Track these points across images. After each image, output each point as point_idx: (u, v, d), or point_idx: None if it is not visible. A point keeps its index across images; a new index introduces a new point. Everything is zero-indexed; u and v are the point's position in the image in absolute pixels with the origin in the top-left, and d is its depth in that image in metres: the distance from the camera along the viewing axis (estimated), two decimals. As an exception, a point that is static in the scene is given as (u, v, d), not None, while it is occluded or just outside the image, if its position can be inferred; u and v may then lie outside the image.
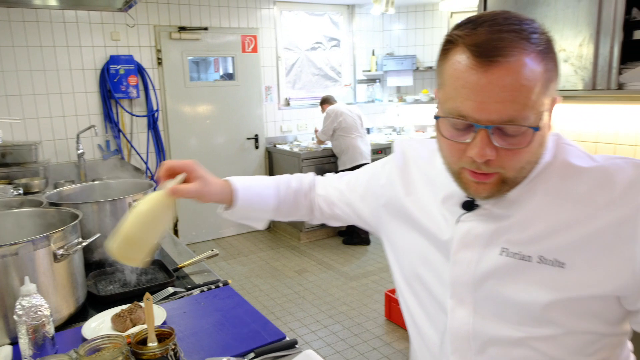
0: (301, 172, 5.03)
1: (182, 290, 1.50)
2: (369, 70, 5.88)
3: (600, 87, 2.16)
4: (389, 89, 6.01)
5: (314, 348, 2.67)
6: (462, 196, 0.78)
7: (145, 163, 4.54)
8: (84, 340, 1.16)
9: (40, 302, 1.08)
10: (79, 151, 3.48)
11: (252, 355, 1.14)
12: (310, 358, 1.13)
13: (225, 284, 1.54)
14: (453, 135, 0.70)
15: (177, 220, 4.86)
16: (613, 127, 2.44)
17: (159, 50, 4.52)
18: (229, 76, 5.04)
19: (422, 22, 5.72)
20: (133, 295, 1.43)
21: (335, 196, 1.11)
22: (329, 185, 1.14)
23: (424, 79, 5.85)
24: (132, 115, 4.43)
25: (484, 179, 0.70)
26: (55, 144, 4.13)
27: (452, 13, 5.43)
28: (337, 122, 4.60)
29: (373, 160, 4.91)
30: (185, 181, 0.96)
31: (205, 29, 4.71)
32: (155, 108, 4.53)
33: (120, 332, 1.22)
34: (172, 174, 0.95)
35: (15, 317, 1.05)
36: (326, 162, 4.89)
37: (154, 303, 1.34)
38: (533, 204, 0.72)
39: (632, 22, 2.02)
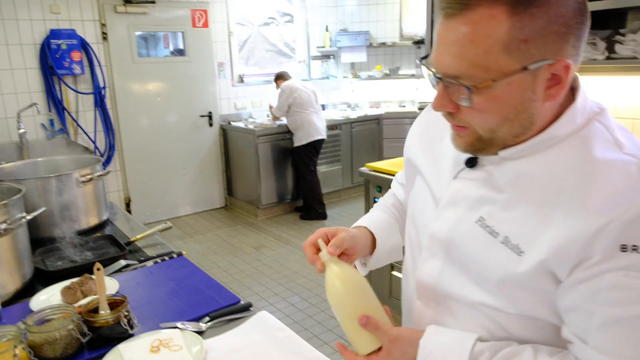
0: (256, 148, 4.94)
1: (135, 262, 1.49)
2: (323, 47, 5.87)
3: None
4: (343, 65, 6.02)
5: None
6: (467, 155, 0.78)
7: (94, 142, 4.38)
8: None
9: (-16, 275, 1.05)
10: (21, 130, 3.31)
11: (207, 319, 1.16)
12: (264, 319, 1.16)
13: (180, 254, 1.54)
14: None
15: (129, 201, 4.74)
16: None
17: (103, 25, 4.32)
18: (179, 52, 4.90)
19: (375, -2, 5.74)
20: (83, 270, 1.39)
21: (400, 191, 1.08)
22: (395, 182, 1.11)
23: (378, 55, 5.89)
24: (77, 92, 4.24)
25: (459, 131, 0.71)
26: (-6, 123, 3.91)
27: (403, -12, 5.47)
28: (292, 97, 4.59)
29: (328, 136, 5.00)
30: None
31: (153, 2, 4.54)
32: (101, 85, 4.35)
33: (71, 304, 1.20)
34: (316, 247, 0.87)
35: (-44, 291, 1.02)
36: (281, 139, 4.89)
37: (106, 276, 1.33)
38: (529, 191, 0.69)
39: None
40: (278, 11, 5.57)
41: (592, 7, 2.06)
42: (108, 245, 1.62)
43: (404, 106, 5.86)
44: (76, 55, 4.12)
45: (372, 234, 0.97)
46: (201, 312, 1.18)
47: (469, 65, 0.63)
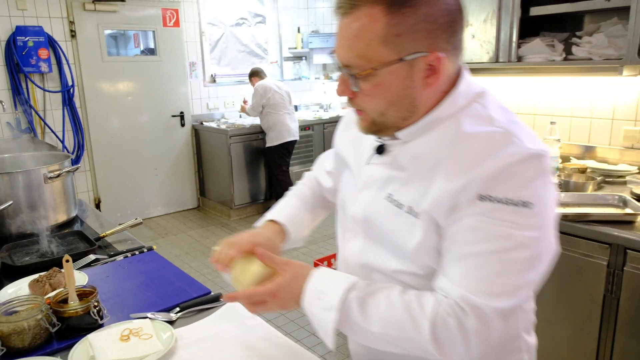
0: (229, 148, 4.92)
1: (105, 257, 1.49)
2: (295, 48, 5.90)
3: (503, 59, 2.35)
4: (315, 67, 6.07)
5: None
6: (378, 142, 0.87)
7: (62, 141, 4.30)
8: (0, 305, 1.13)
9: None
10: (-15, 129, 3.23)
11: (177, 309, 1.18)
12: (234, 309, 1.19)
13: (150, 249, 1.55)
14: None
15: (99, 201, 4.66)
16: (515, 99, 2.67)
17: (71, 22, 4.25)
18: (150, 51, 4.85)
19: (347, 0, 5.80)
20: (51, 265, 1.39)
21: (328, 169, 1.13)
22: (319, 168, 1.17)
23: (350, 56, 5.95)
24: (45, 90, 4.15)
25: (359, 115, 0.82)
26: (-44, 122, 3.80)
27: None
28: (265, 98, 4.60)
29: (301, 137, 5.03)
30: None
31: (123, 0, 4.49)
32: (70, 83, 4.28)
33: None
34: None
35: None
36: (254, 139, 4.89)
37: (75, 270, 1.33)
38: (421, 166, 0.79)
39: (529, -1, 2.21)
40: (250, 12, 5.58)
41: (550, 10, 2.17)
42: (77, 241, 1.61)
43: (376, 107, 5.92)
44: (43, 53, 4.03)
45: (281, 225, 1.04)
46: (171, 303, 1.20)
47: (355, 55, 0.73)
